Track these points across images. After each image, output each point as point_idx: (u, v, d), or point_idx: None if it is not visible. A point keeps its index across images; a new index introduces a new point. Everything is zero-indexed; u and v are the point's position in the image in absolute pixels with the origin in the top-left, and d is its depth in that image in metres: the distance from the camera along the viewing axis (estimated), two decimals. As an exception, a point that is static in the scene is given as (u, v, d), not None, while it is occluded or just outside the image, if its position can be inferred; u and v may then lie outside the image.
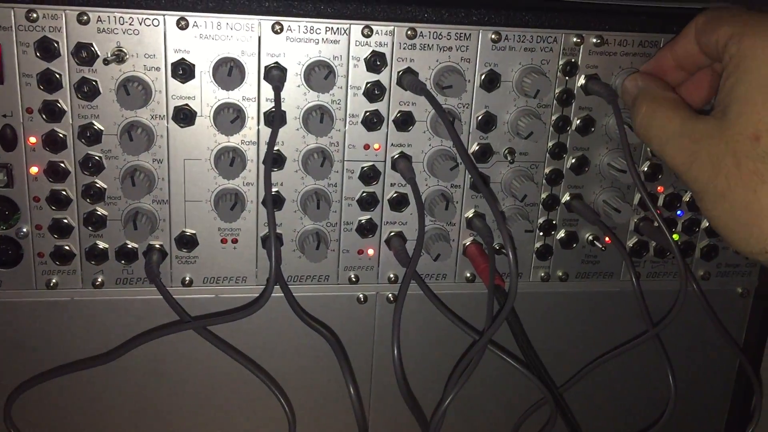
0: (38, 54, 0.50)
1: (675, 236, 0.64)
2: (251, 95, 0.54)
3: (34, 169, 0.53)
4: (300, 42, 0.53)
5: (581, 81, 0.58)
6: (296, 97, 0.54)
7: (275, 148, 0.55)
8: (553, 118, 0.58)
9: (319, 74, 0.53)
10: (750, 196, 0.43)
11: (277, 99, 0.52)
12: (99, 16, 0.50)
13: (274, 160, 0.55)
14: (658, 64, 0.55)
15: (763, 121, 0.42)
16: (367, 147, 0.57)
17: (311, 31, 0.53)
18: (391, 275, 0.61)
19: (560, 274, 0.63)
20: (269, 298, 0.52)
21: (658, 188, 0.62)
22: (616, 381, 0.68)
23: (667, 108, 0.49)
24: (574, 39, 0.57)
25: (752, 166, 0.42)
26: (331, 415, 0.64)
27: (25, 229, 0.54)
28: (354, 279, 0.60)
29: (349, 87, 0.55)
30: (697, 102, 0.53)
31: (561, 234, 0.62)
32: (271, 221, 0.51)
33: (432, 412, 0.58)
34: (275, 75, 0.53)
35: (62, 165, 0.53)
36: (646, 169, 0.61)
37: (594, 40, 0.57)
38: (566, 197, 0.61)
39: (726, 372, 0.70)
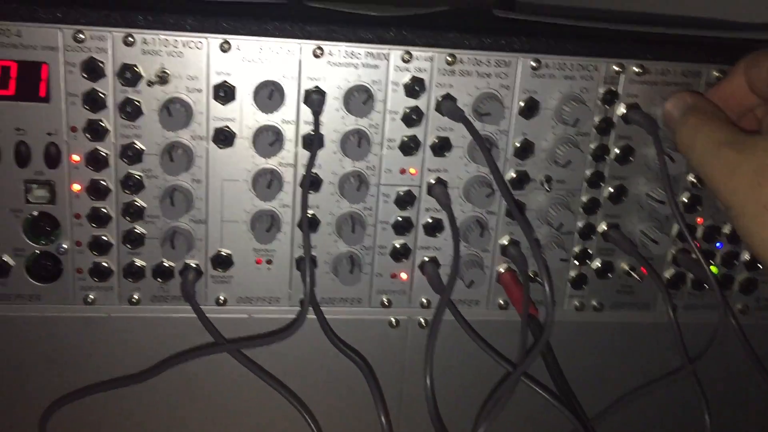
0: (84, 74, 0.51)
1: (713, 269, 0.63)
2: (290, 118, 0.54)
3: (76, 187, 0.54)
4: (340, 66, 0.54)
5: (621, 110, 0.57)
6: (335, 120, 0.55)
7: (312, 171, 0.55)
8: (592, 146, 0.58)
9: (358, 99, 0.53)
10: None
11: (316, 124, 0.52)
12: (144, 38, 0.51)
13: (311, 183, 0.56)
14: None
15: None
16: (403, 171, 0.57)
17: (351, 56, 0.54)
18: (424, 300, 0.61)
19: (595, 303, 0.63)
20: (303, 322, 0.52)
21: (698, 220, 0.61)
22: (649, 415, 0.67)
23: (715, 120, 0.49)
24: (615, 68, 0.56)
25: None
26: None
27: (65, 245, 0.55)
28: (386, 303, 0.60)
29: (387, 112, 0.55)
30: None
31: (597, 263, 0.61)
32: (307, 245, 0.52)
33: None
34: (315, 99, 0.53)
35: (103, 183, 0.54)
36: (685, 200, 0.60)
37: (635, 69, 0.56)
38: (603, 226, 0.60)
39: (765, 410, 0.68)
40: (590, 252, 0.61)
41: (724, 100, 0.53)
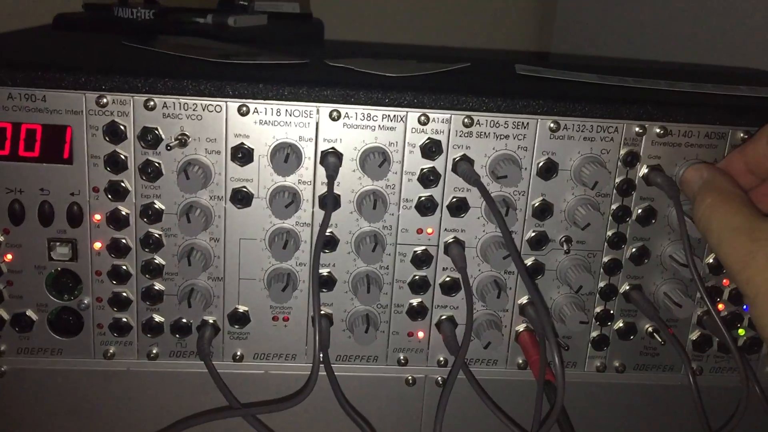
0: (106, 137, 0.52)
1: (741, 331, 0.61)
2: (307, 179, 0.55)
3: (97, 245, 0.55)
4: (357, 129, 0.54)
5: (643, 171, 0.56)
6: (351, 181, 0.55)
7: (329, 231, 0.56)
8: (613, 207, 0.57)
9: (374, 161, 0.53)
10: None
11: (330, 187, 0.52)
12: (165, 102, 0.52)
13: (327, 242, 0.56)
14: (730, 166, 0.53)
15: None
16: (420, 231, 0.57)
17: (368, 118, 0.54)
18: (441, 359, 0.60)
19: (617, 365, 0.61)
20: (313, 388, 0.52)
21: (724, 281, 0.60)
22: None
23: (731, 202, 0.47)
24: (637, 129, 0.55)
25: None
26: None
27: (86, 301, 0.56)
28: (403, 361, 0.60)
29: (404, 172, 0.55)
30: (764, 211, 0.50)
31: (619, 324, 0.60)
32: (317, 307, 0.52)
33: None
34: (331, 162, 0.53)
35: (124, 241, 0.55)
36: (711, 260, 0.59)
37: (657, 131, 0.55)
38: (625, 287, 0.59)
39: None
40: (612, 313, 0.60)
41: (747, 164, 0.52)
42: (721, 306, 0.60)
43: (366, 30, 1.28)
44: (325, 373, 0.55)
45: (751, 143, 0.51)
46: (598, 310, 0.60)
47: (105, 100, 0.52)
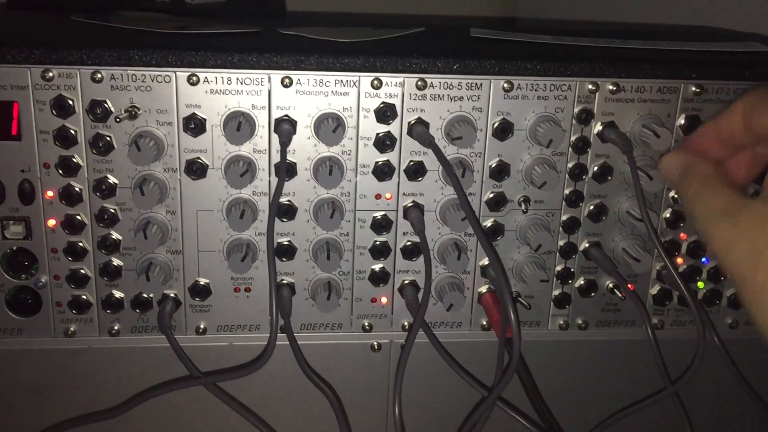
0: (54, 111, 0.52)
1: (700, 284, 0.62)
2: (262, 147, 0.54)
3: (51, 222, 0.54)
4: (310, 95, 0.54)
5: (598, 128, 0.57)
6: (306, 148, 0.55)
7: (286, 199, 0.55)
8: (569, 165, 0.57)
9: (329, 127, 0.53)
10: None
11: (283, 154, 0.52)
12: (112, 74, 0.51)
13: (285, 211, 0.56)
14: (701, 139, 0.52)
15: None
16: (378, 197, 0.57)
17: (321, 84, 0.53)
18: (405, 323, 0.60)
19: (580, 322, 0.62)
20: (272, 352, 0.52)
21: (681, 235, 0.60)
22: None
23: (713, 187, 0.46)
24: (590, 86, 0.56)
25: None
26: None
27: (43, 280, 0.55)
28: (367, 327, 0.60)
29: (359, 138, 0.55)
30: (738, 181, 0.50)
31: (580, 282, 0.61)
32: (273, 273, 0.52)
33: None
34: (284, 129, 0.53)
35: (78, 218, 0.54)
36: (668, 215, 0.60)
37: (610, 87, 0.56)
38: (584, 245, 0.60)
39: (752, 427, 0.67)
40: (572, 270, 0.60)
41: (720, 136, 0.51)
42: (680, 260, 0.61)
43: (336, 3, 1.26)
44: (288, 342, 0.55)
45: (724, 116, 0.50)
46: (558, 268, 0.60)
47: (51, 74, 0.51)
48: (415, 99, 0.54)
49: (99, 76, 0.51)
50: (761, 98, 0.46)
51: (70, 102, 0.52)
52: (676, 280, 0.59)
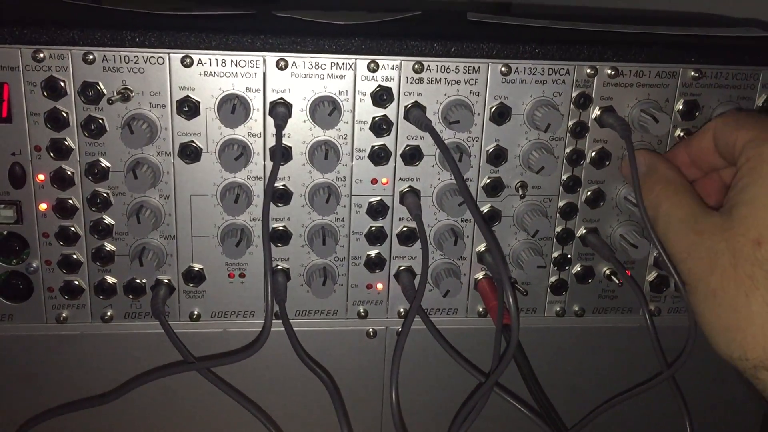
0: (45, 93, 0.51)
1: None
2: (257, 131, 0.54)
3: (42, 206, 0.53)
4: (305, 78, 0.53)
5: (596, 113, 0.56)
6: (302, 132, 0.54)
7: (281, 183, 0.55)
8: (567, 150, 0.57)
9: (324, 110, 0.52)
10: (740, 300, 0.42)
11: (278, 137, 0.51)
12: (104, 56, 0.51)
13: (281, 196, 0.55)
14: (674, 157, 0.54)
15: None
16: (374, 182, 0.56)
17: (316, 67, 0.53)
18: (401, 310, 0.60)
19: (576, 309, 0.62)
20: (267, 337, 0.52)
21: (679, 222, 0.60)
22: (631, 422, 0.66)
23: (678, 194, 0.49)
24: (588, 70, 0.55)
25: (749, 270, 0.42)
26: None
27: (34, 265, 0.55)
28: (363, 313, 0.59)
29: (355, 122, 0.54)
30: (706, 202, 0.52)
31: (577, 268, 0.60)
32: (268, 258, 0.51)
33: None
34: (279, 112, 0.52)
35: (70, 202, 0.53)
36: (665, 201, 0.59)
37: (608, 71, 0.55)
38: (581, 231, 0.59)
39: (750, 414, 0.67)
40: (569, 257, 0.60)
41: (691, 156, 0.53)
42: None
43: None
44: (283, 328, 0.55)
45: (696, 137, 0.53)
46: (555, 254, 0.60)
47: (42, 55, 0.50)
48: (411, 82, 0.54)
49: (91, 57, 0.50)
50: (731, 119, 0.49)
51: (62, 83, 0.51)
52: (668, 266, 0.59)
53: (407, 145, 0.55)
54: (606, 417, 0.61)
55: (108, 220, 0.54)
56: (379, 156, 0.55)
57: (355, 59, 0.53)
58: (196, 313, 0.58)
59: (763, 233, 0.42)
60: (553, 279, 0.60)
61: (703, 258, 0.45)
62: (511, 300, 0.50)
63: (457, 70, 0.54)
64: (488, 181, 0.57)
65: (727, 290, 0.43)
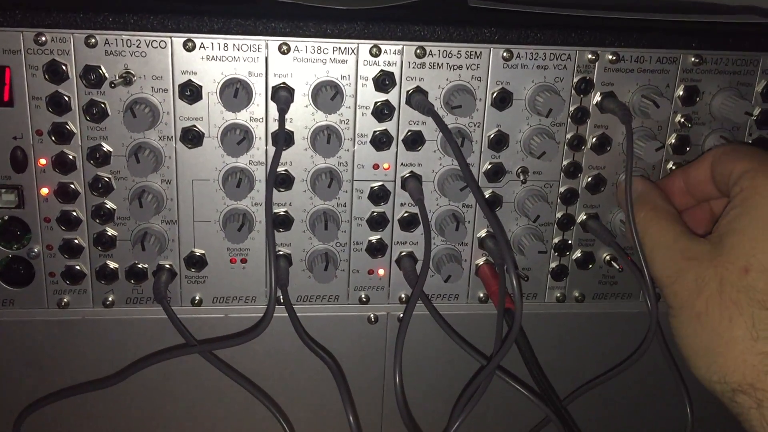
0: (47, 77, 0.51)
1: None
2: (259, 116, 0.54)
3: (44, 191, 0.53)
4: (307, 62, 0.53)
5: (597, 98, 0.56)
6: (304, 117, 0.54)
7: (283, 168, 0.55)
8: (568, 136, 0.57)
9: (326, 95, 0.52)
10: (724, 324, 0.43)
11: (281, 122, 0.51)
12: (106, 39, 0.50)
13: (282, 180, 0.55)
14: (670, 184, 0.55)
15: (756, 257, 0.43)
16: (376, 167, 0.56)
17: (319, 51, 0.53)
18: (403, 295, 0.60)
19: (576, 294, 0.62)
20: (270, 321, 0.52)
21: (678, 207, 0.60)
22: (632, 404, 0.66)
23: (665, 219, 0.51)
24: (589, 56, 0.55)
25: (734, 296, 0.43)
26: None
27: (36, 250, 0.55)
28: (365, 299, 0.60)
29: (357, 107, 0.54)
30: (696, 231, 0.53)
31: (577, 254, 0.61)
32: (271, 242, 0.51)
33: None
34: (282, 96, 0.52)
35: (72, 186, 0.53)
36: (664, 187, 0.59)
37: (610, 57, 0.55)
38: (582, 217, 0.60)
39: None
40: (570, 243, 0.60)
41: (687, 185, 0.54)
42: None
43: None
44: (286, 314, 0.55)
45: (693, 166, 0.54)
46: (556, 240, 0.60)
47: (44, 38, 0.50)
48: (414, 67, 0.54)
49: (93, 40, 0.50)
50: (729, 151, 0.50)
51: (64, 67, 0.51)
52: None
53: (409, 131, 0.55)
54: (606, 400, 0.61)
55: (110, 204, 0.54)
56: (381, 141, 0.55)
57: (358, 44, 0.53)
58: (198, 298, 0.58)
59: (751, 261, 0.43)
60: (553, 265, 0.61)
61: (689, 283, 0.46)
62: (514, 283, 0.51)
63: (459, 56, 0.54)
64: (489, 166, 0.57)
65: (712, 314, 0.44)
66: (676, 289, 0.47)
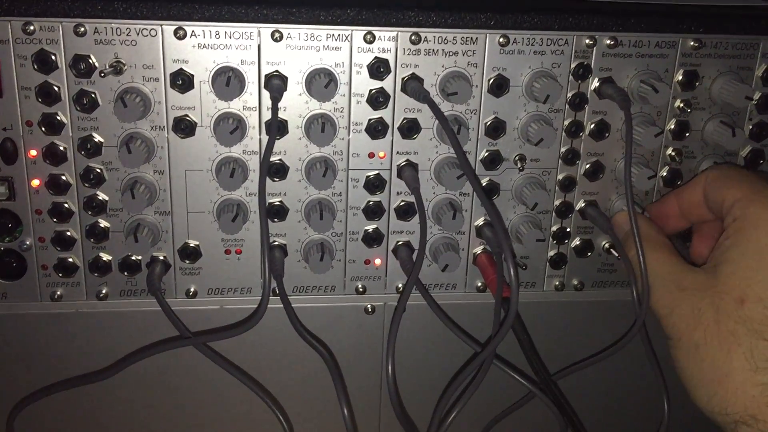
0: (36, 67, 0.50)
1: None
2: (252, 104, 0.53)
3: (35, 182, 0.53)
4: (300, 50, 0.52)
5: (595, 84, 0.55)
6: (298, 105, 0.53)
7: (277, 158, 0.54)
8: (566, 122, 0.56)
9: (320, 82, 0.51)
10: (722, 356, 0.43)
11: (274, 110, 0.51)
12: (96, 28, 0.50)
13: (277, 170, 0.54)
14: (664, 208, 0.55)
15: (751, 287, 0.43)
16: (372, 155, 0.55)
17: (312, 39, 0.52)
18: (399, 285, 0.59)
19: (575, 283, 0.61)
20: (265, 312, 0.51)
21: (677, 194, 0.60)
22: (627, 390, 0.66)
23: (659, 251, 0.51)
24: (587, 41, 0.54)
25: (732, 327, 0.43)
26: (328, 430, 0.63)
27: (28, 242, 0.54)
28: (361, 289, 0.59)
29: (352, 94, 0.54)
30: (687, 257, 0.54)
31: (576, 242, 0.60)
32: (265, 233, 0.50)
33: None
34: (275, 84, 0.51)
35: (63, 178, 0.53)
36: (665, 174, 0.59)
37: (608, 42, 0.54)
38: (580, 204, 0.59)
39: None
40: (568, 230, 0.59)
41: (680, 208, 0.54)
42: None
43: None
44: (281, 305, 0.54)
45: (687, 189, 0.54)
46: (554, 228, 0.59)
47: (32, 27, 0.49)
48: (409, 54, 0.53)
49: (82, 29, 0.49)
50: (722, 175, 0.50)
51: (53, 57, 0.50)
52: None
53: (404, 118, 0.55)
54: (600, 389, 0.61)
55: (102, 196, 0.54)
56: (376, 129, 0.54)
57: (351, 30, 0.52)
58: (192, 290, 0.57)
59: (747, 292, 0.43)
60: (552, 253, 0.60)
61: (686, 314, 0.46)
62: (512, 270, 0.50)
63: (454, 41, 0.53)
64: (486, 154, 0.56)
65: (710, 345, 0.44)
66: (674, 320, 0.47)
